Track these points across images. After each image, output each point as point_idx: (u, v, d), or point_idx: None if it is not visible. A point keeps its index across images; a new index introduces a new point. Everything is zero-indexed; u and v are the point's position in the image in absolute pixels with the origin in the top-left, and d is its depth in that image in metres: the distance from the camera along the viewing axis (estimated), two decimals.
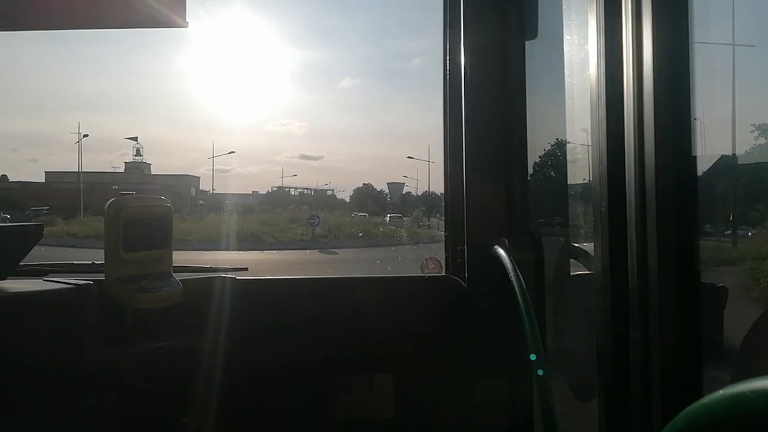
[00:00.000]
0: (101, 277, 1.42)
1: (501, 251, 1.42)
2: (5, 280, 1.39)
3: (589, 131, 1.01)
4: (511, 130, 1.57)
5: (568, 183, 1.52)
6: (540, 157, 1.61)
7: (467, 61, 1.59)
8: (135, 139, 36.06)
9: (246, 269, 1.79)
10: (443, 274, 1.74)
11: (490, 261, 1.48)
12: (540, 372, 0.97)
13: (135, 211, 1.43)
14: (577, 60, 1.31)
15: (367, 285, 1.77)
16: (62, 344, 1.28)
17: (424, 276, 1.86)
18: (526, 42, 1.56)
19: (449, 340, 1.63)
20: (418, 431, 1.66)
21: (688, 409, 0.45)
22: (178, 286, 1.48)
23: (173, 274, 1.52)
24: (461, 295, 1.61)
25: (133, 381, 1.41)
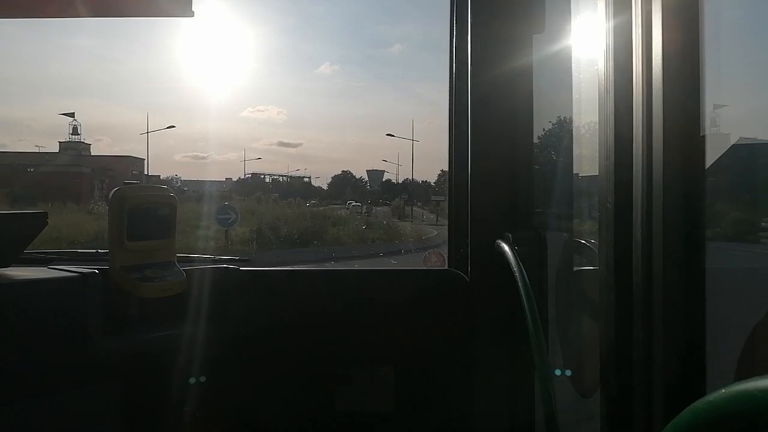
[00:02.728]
0: (105, 266, 1.43)
1: (505, 246, 1.42)
2: (9, 268, 1.39)
3: (597, 126, 1.00)
4: (517, 125, 1.56)
5: (574, 178, 1.51)
6: (546, 152, 1.60)
7: (473, 56, 1.58)
8: (72, 115, 33.36)
9: (248, 260, 1.80)
10: (446, 268, 1.74)
11: (493, 256, 1.48)
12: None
13: (139, 200, 1.44)
14: (585, 54, 1.30)
15: (370, 277, 1.77)
16: (65, 332, 1.29)
17: (428, 269, 1.86)
18: (534, 36, 1.55)
19: (451, 334, 1.64)
20: (420, 424, 1.66)
21: (692, 406, 0.45)
22: (182, 276, 1.48)
23: (177, 264, 1.52)
24: (464, 289, 1.61)
25: (136, 370, 1.42)
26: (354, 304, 1.67)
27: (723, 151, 0.96)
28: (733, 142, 1.00)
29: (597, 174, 1.01)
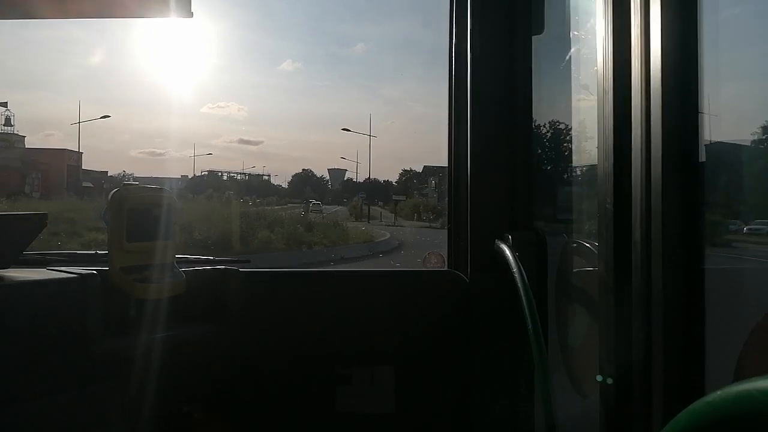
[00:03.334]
0: (104, 266, 1.43)
1: (504, 247, 1.42)
2: (8, 269, 1.39)
3: (596, 127, 1.00)
4: (516, 126, 1.56)
5: (573, 179, 1.51)
6: (545, 152, 1.60)
7: (473, 56, 1.58)
8: (4, 105, 31.08)
9: (248, 261, 1.80)
10: (445, 268, 1.74)
11: (493, 256, 1.48)
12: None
13: (138, 201, 1.43)
14: (584, 55, 1.30)
15: (370, 278, 1.77)
16: (64, 334, 1.29)
17: (427, 270, 1.86)
18: (533, 36, 1.55)
19: (451, 334, 1.63)
20: (419, 425, 1.66)
21: (691, 407, 0.45)
22: (181, 277, 1.48)
23: (176, 265, 1.52)
24: (463, 290, 1.61)
25: (135, 371, 1.42)
26: (354, 304, 1.67)
27: (722, 152, 0.96)
28: (732, 142, 1.00)
29: (596, 174, 1.01)
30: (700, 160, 0.83)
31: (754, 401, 0.39)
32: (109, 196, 1.42)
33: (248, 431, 1.64)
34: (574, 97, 1.44)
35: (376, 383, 1.65)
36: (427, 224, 29.21)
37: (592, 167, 1.12)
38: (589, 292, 1.23)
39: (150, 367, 1.45)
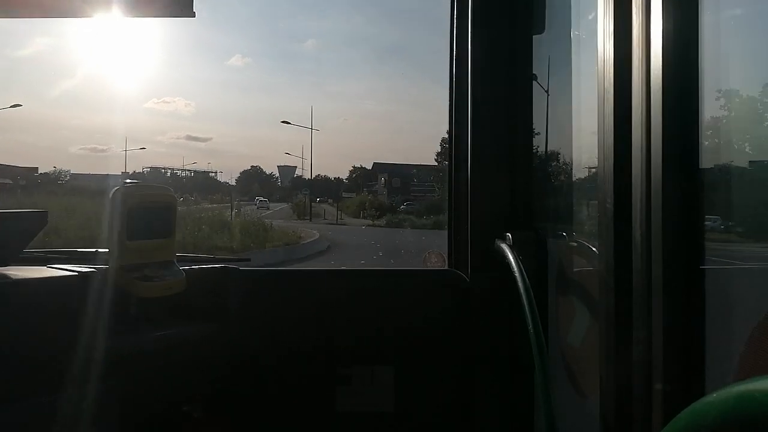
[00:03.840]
0: (105, 265, 1.43)
1: (504, 246, 1.42)
2: (8, 267, 1.39)
3: (596, 127, 1.00)
4: (516, 125, 1.56)
5: (574, 179, 1.51)
6: (545, 152, 1.60)
7: (474, 56, 1.58)
8: None
9: (248, 260, 1.80)
10: (446, 268, 1.74)
11: (493, 256, 1.48)
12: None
13: (138, 199, 1.44)
14: (585, 55, 1.30)
15: (370, 277, 1.77)
16: (64, 332, 1.29)
17: (427, 269, 1.86)
18: (534, 36, 1.55)
19: (451, 334, 1.64)
20: (419, 424, 1.66)
21: (691, 407, 0.45)
22: (181, 276, 1.48)
23: (176, 263, 1.52)
24: (464, 289, 1.61)
25: (135, 370, 1.42)
26: (354, 304, 1.67)
27: (722, 152, 0.96)
28: (732, 142, 1.00)
29: (596, 174, 1.01)
30: (700, 160, 0.83)
31: (754, 401, 0.39)
32: (110, 194, 1.42)
33: (248, 430, 1.64)
34: (575, 96, 1.44)
35: (376, 383, 1.65)
36: (371, 222, 28.51)
37: (593, 167, 1.12)
38: (589, 291, 1.23)
39: (150, 365, 1.45)
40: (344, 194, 40.06)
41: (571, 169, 1.52)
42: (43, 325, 1.26)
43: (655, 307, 0.84)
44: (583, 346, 1.26)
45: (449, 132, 1.75)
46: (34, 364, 1.24)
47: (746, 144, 0.99)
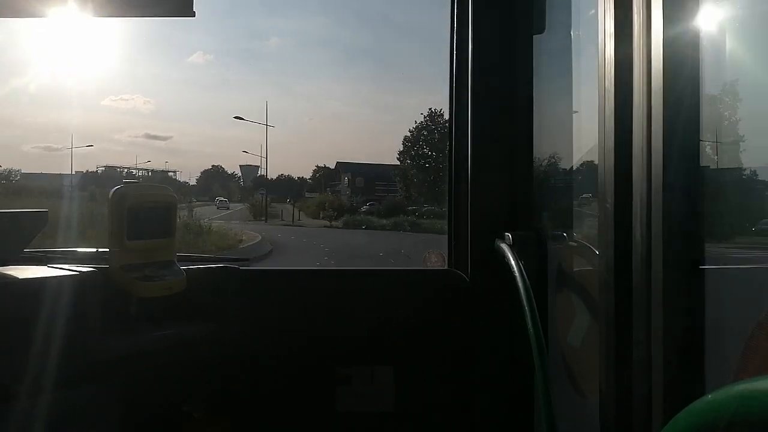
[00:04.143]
0: (105, 265, 1.43)
1: (504, 246, 1.42)
2: (9, 267, 1.39)
3: (597, 127, 1.00)
4: (516, 125, 1.56)
5: (574, 179, 1.51)
6: (545, 152, 1.60)
7: (474, 55, 1.58)
8: None
9: (248, 260, 1.80)
10: (446, 268, 1.74)
11: (493, 256, 1.48)
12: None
13: (139, 199, 1.44)
14: (585, 54, 1.30)
15: (370, 277, 1.77)
16: (64, 332, 1.29)
17: (428, 269, 1.86)
18: (534, 36, 1.55)
19: (451, 333, 1.64)
20: (419, 424, 1.66)
21: (691, 406, 0.45)
22: (181, 275, 1.48)
23: (176, 263, 1.52)
24: (464, 289, 1.61)
25: (135, 369, 1.42)
26: (354, 304, 1.67)
27: (723, 152, 0.96)
28: (733, 141, 1.00)
29: (596, 174, 1.01)
30: (701, 160, 0.83)
31: (754, 401, 0.39)
32: (110, 194, 1.42)
33: (248, 430, 1.64)
34: (575, 96, 1.44)
35: (376, 383, 1.65)
36: (328, 223, 28.10)
37: (593, 167, 1.12)
38: (589, 291, 1.23)
39: (150, 365, 1.45)
40: (307, 194, 39.59)
41: (572, 169, 1.52)
42: (44, 324, 1.26)
43: (654, 307, 0.84)
44: (583, 346, 1.26)
45: (449, 132, 1.75)
46: (35, 363, 1.24)
47: (747, 144, 0.99)
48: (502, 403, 1.57)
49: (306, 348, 1.65)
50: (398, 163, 39.58)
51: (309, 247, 16.25)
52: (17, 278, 1.31)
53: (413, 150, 38.95)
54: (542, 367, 1.11)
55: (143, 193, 1.47)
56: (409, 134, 39.12)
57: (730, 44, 0.89)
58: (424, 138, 38.91)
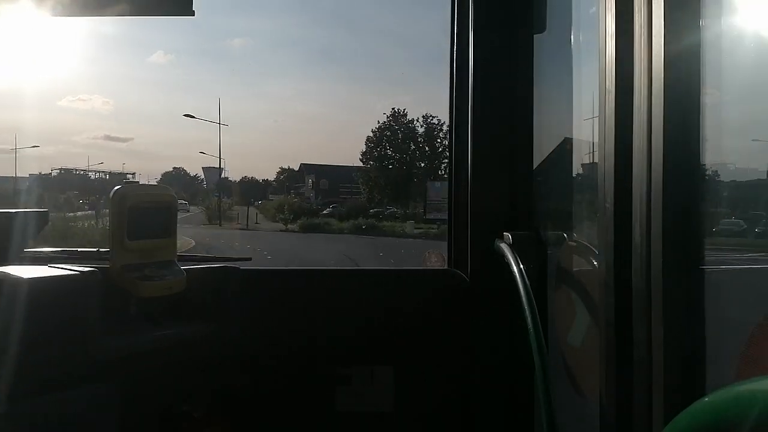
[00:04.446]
0: (105, 264, 1.43)
1: (504, 246, 1.42)
2: (9, 266, 1.39)
3: (597, 127, 1.00)
4: (517, 125, 1.56)
5: (573, 179, 1.51)
6: (546, 152, 1.60)
7: (475, 55, 1.58)
8: None
9: (249, 259, 1.80)
10: (446, 268, 1.74)
11: (493, 256, 1.48)
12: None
13: (139, 199, 1.44)
14: (586, 54, 1.30)
15: (370, 277, 1.77)
16: (65, 331, 1.29)
17: (427, 269, 1.86)
18: (535, 35, 1.55)
19: (451, 333, 1.64)
20: (419, 424, 1.66)
21: (691, 407, 0.45)
22: (182, 275, 1.48)
23: (177, 263, 1.52)
24: (464, 289, 1.61)
25: (136, 369, 1.42)
26: (354, 303, 1.67)
27: (723, 152, 0.96)
28: (733, 142, 1.00)
29: (597, 174, 1.01)
30: (701, 160, 0.83)
31: (754, 401, 0.39)
32: (111, 194, 1.42)
33: (248, 430, 1.64)
34: (575, 96, 1.44)
35: (376, 383, 1.65)
36: (284, 226, 27.77)
37: (593, 167, 1.12)
38: (589, 291, 1.23)
39: (150, 365, 1.45)
40: (271, 196, 39.12)
41: (572, 169, 1.52)
42: (44, 324, 1.26)
43: (655, 307, 0.84)
44: (583, 346, 1.26)
45: (450, 131, 1.75)
46: (35, 363, 1.24)
47: (748, 144, 0.99)
48: (502, 403, 1.57)
49: (306, 348, 1.65)
50: (361, 164, 38.89)
51: (246, 253, 15.46)
52: (17, 278, 1.31)
53: (376, 151, 38.36)
54: (542, 367, 1.11)
55: (143, 193, 1.47)
56: (371, 135, 38.64)
57: (731, 44, 0.89)
58: (387, 138, 38.34)
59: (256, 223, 30.20)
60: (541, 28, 1.54)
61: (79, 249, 1.67)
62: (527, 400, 1.50)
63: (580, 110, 1.41)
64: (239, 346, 1.59)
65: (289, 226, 28.06)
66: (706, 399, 0.44)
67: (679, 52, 0.80)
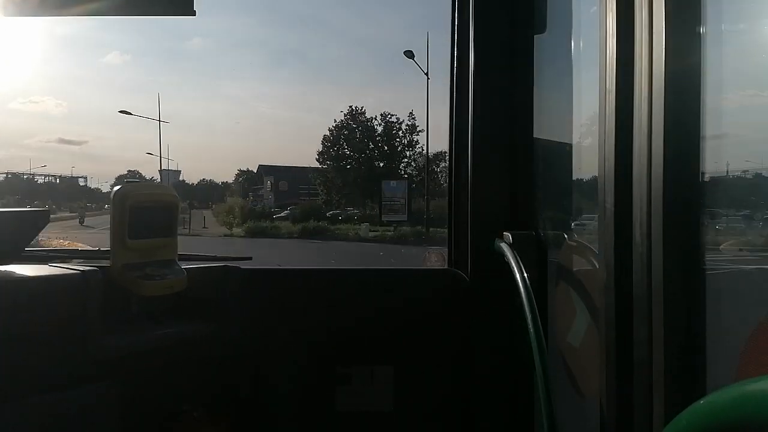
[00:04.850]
0: (106, 263, 1.43)
1: (504, 246, 1.42)
2: (10, 266, 1.39)
3: (597, 127, 1.00)
4: (517, 125, 1.56)
5: (574, 179, 1.51)
6: (546, 152, 1.60)
7: (475, 55, 1.58)
8: None
9: (250, 258, 1.80)
10: (446, 267, 1.74)
11: (493, 256, 1.48)
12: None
13: (141, 198, 1.44)
14: (587, 54, 1.30)
15: (370, 276, 1.77)
16: (66, 330, 1.29)
17: (427, 269, 1.86)
18: (535, 36, 1.55)
19: (451, 333, 1.64)
20: (419, 424, 1.66)
21: (692, 407, 0.45)
22: (182, 274, 1.48)
23: (177, 262, 1.53)
24: (464, 289, 1.61)
25: (136, 368, 1.42)
26: (354, 303, 1.67)
27: (724, 153, 0.97)
28: (734, 143, 1.00)
29: (597, 174, 1.01)
30: (701, 161, 0.83)
31: (754, 401, 0.39)
32: (112, 193, 1.42)
33: (248, 430, 1.64)
34: (575, 96, 1.44)
35: (376, 382, 1.65)
36: (228, 231, 26.98)
37: (594, 167, 1.12)
38: (589, 291, 1.23)
39: (150, 364, 1.46)
40: (228, 199, 38.08)
41: (572, 169, 1.53)
42: (45, 323, 1.26)
43: (655, 307, 0.84)
44: (584, 346, 1.26)
45: (450, 132, 1.75)
46: (35, 362, 1.24)
47: (748, 144, 0.99)
48: (502, 403, 1.57)
49: (306, 347, 1.65)
50: (318, 164, 37.36)
51: None
52: (19, 277, 1.31)
53: (333, 150, 36.92)
54: (542, 367, 1.11)
55: (145, 192, 1.47)
56: (328, 134, 37.25)
57: (733, 43, 0.89)
58: (344, 137, 36.83)
59: (204, 227, 29.38)
60: (542, 29, 1.54)
61: (80, 248, 1.67)
62: (527, 400, 1.51)
63: (580, 110, 1.41)
64: (239, 345, 1.59)
65: (234, 230, 27.28)
66: (707, 399, 0.44)
67: (680, 52, 0.80)
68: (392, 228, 24.44)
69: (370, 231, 25.34)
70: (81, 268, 1.37)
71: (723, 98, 0.89)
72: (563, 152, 1.56)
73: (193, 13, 1.60)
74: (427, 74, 28.14)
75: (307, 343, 1.65)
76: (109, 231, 1.44)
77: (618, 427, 0.94)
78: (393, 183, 28.67)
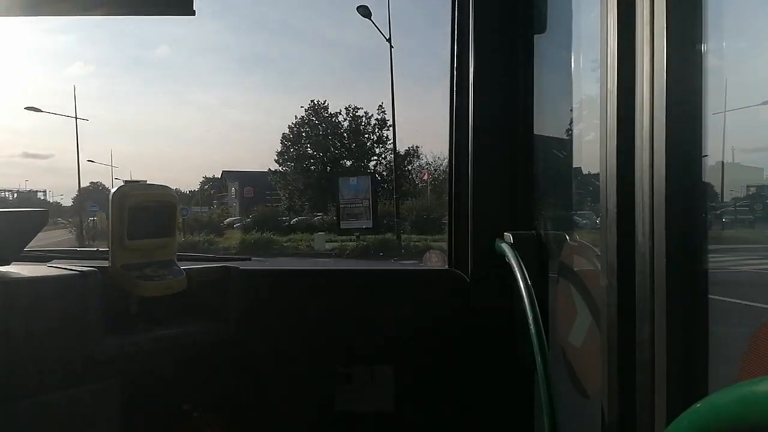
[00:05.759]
0: (105, 264, 1.43)
1: (505, 246, 1.42)
2: (10, 266, 1.39)
3: (598, 126, 1.00)
4: (517, 125, 1.56)
5: (574, 179, 1.51)
6: (546, 152, 1.60)
7: (475, 55, 1.58)
8: None
9: (249, 259, 1.80)
10: (446, 267, 1.74)
11: (493, 256, 1.48)
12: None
13: (140, 198, 1.44)
14: (587, 55, 1.30)
15: (371, 276, 1.77)
16: (65, 331, 1.29)
17: (427, 269, 1.86)
18: (535, 36, 1.55)
19: (451, 333, 1.63)
20: (419, 424, 1.66)
21: (693, 407, 0.45)
22: (182, 275, 1.48)
23: (176, 263, 1.52)
24: (464, 289, 1.61)
25: (136, 369, 1.42)
26: (354, 303, 1.66)
27: (726, 152, 0.96)
28: (735, 143, 1.00)
29: (598, 174, 1.01)
30: (703, 161, 0.82)
31: (756, 402, 0.39)
32: (111, 194, 1.42)
33: (248, 429, 1.64)
34: (576, 96, 1.44)
35: (376, 382, 1.65)
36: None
37: (594, 167, 1.12)
38: (591, 292, 1.22)
39: (150, 365, 1.45)
40: (194, 208, 35.74)
41: (573, 168, 1.52)
42: (44, 323, 1.26)
43: (657, 308, 0.83)
44: (585, 346, 1.26)
45: (450, 132, 1.75)
46: (35, 362, 1.24)
47: (750, 144, 0.99)
48: (502, 403, 1.57)
49: (306, 348, 1.65)
50: (278, 167, 32.61)
51: None
52: (18, 277, 1.30)
53: (293, 149, 32.50)
54: (543, 368, 1.11)
55: (144, 192, 1.47)
56: (287, 132, 32.55)
57: (734, 44, 0.89)
58: (306, 135, 32.31)
59: None
60: (542, 29, 1.53)
61: (79, 248, 1.67)
62: (528, 400, 1.50)
63: (580, 110, 1.41)
64: (239, 345, 1.59)
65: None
66: (709, 400, 0.43)
67: (683, 51, 0.80)
68: (353, 237, 19.05)
69: (327, 242, 19.80)
70: (80, 269, 1.37)
71: (724, 97, 0.88)
72: (564, 152, 1.55)
73: (193, 13, 1.60)
74: (389, 41, 21.93)
75: (307, 343, 1.65)
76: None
77: (619, 428, 0.93)
78: (353, 180, 21.80)
